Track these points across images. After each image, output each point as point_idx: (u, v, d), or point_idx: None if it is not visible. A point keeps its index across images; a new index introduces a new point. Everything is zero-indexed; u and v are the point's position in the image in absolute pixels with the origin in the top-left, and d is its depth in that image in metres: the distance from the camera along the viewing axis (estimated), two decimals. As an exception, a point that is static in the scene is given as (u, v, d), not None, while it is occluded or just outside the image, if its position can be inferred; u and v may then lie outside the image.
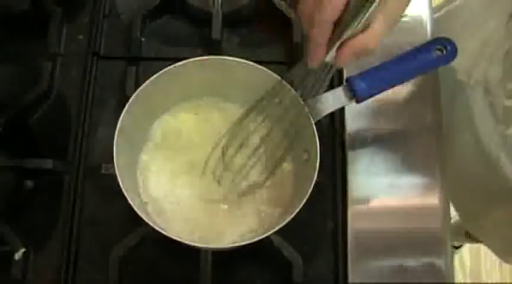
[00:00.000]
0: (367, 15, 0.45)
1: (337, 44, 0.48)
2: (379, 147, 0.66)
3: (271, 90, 0.56)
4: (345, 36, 0.47)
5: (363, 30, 0.47)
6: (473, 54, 0.71)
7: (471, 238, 1.18)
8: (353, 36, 0.47)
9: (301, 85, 0.55)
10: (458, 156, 0.74)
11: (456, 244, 1.51)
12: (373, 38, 0.47)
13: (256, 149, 0.60)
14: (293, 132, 0.62)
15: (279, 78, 0.58)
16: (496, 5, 0.70)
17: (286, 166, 0.63)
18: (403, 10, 0.48)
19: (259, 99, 0.58)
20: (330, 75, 0.53)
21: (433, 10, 0.73)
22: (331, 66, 0.52)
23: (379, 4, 0.45)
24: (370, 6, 0.45)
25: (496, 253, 1.03)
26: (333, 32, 0.47)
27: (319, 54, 0.48)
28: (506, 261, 1.13)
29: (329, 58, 0.49)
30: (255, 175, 0.61)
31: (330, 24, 0.46)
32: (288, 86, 0.59)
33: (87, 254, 0.62)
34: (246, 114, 0.59)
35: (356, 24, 0.46)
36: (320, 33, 0.47)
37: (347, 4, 0.45)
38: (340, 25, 0.47)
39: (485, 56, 0.70)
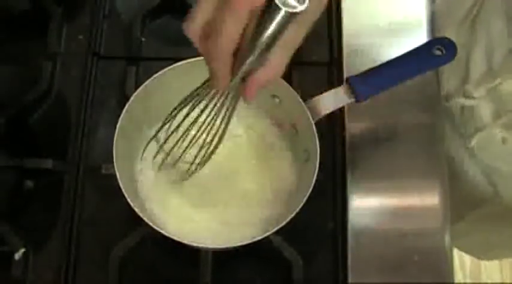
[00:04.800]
0: (263, 46, 0.42)
1: (239, 75, 0.45)
2: (379, 146, 0.66)
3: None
4: (244, 69, 0.45)
5: (261, 63, 0.45)
6: None
7: None
8: (254, 69, 0.45)
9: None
10: None
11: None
12: (272, 72, 0.46)
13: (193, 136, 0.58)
14: (293, 132, 0.62)
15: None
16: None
17: (287, 165, 0.63)
18: (300, 39, 0.46)
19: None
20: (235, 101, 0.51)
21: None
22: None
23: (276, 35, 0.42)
24: (267, 35, 0.41)
25: (469, 253, 1.04)
26: (234, 63, 0.45)
27: (223, 85, 0.46)
28: (479, 258, 1.15)
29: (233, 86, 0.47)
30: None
31: (226, 56, 0.44)
32: (288, 86, 0.59)
33: (87, 254, 0.62)
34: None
35: (254, 56, 0.43)
36: (219, 66, 0.45)
37: (243, 34, 0.42)
38: (239, 56, 0.44)
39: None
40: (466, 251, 1.05)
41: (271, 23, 0.40)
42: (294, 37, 0.45)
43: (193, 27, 0.44)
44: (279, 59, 0.45)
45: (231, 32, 0.42)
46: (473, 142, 0.71)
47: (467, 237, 0.90)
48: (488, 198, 0.76)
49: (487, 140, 0.71)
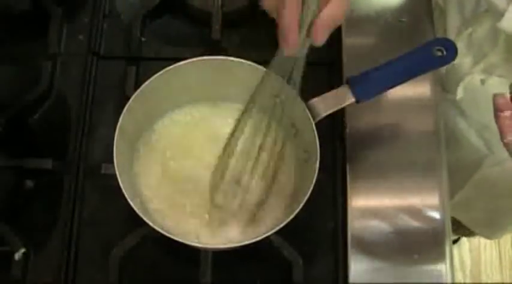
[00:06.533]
0: None
1: (306, 26, 0.49)
2: (379, 146, 0.66)
3: (260, 84, 0.57)
4: (309, 17, 0.49)
5: (323, 5, 0.49)
6: None
7: (459, 228, 1.21)
8: (316, 15, 0.49)
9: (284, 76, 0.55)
10: None
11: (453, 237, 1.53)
12: (337, 8, 0.49)
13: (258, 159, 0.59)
14: (293, 132, 0.62)
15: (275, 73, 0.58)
16: None
17: (287, 165, 0.63)
18: None
19: (250, 99, 0.58)
20: (303, 63, 0.54)
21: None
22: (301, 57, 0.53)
23: None
24: None
25: (476, 229, 1.05)
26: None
27: (294, 38, 0.49)
28: (490, 238, 1.15)
29: (302, 42, 0.50)
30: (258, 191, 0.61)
31: (295, 4, 0.48)
32: (288, 86, 0.59)
33: (87, 254, 0.63)
34: (243, 118, 0.59)
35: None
36: (289, 15, 0.48)
37: None
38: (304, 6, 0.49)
39: None
40: (472, 227, 1.04)
41: None
42: None
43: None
44: None
45: None
46: (459, 92, 0.72)
47: (470, 208, 0.91)
48: (484, 158, 0.77)
49: (470, 89, 0.71)
